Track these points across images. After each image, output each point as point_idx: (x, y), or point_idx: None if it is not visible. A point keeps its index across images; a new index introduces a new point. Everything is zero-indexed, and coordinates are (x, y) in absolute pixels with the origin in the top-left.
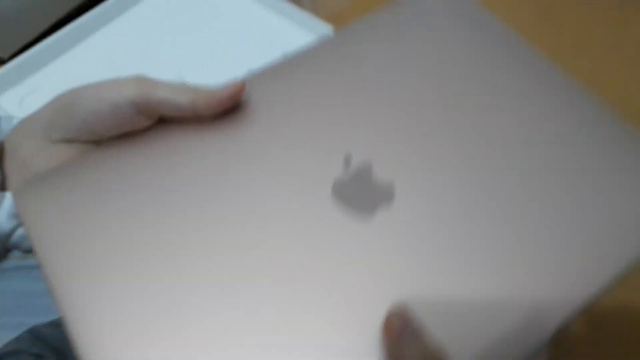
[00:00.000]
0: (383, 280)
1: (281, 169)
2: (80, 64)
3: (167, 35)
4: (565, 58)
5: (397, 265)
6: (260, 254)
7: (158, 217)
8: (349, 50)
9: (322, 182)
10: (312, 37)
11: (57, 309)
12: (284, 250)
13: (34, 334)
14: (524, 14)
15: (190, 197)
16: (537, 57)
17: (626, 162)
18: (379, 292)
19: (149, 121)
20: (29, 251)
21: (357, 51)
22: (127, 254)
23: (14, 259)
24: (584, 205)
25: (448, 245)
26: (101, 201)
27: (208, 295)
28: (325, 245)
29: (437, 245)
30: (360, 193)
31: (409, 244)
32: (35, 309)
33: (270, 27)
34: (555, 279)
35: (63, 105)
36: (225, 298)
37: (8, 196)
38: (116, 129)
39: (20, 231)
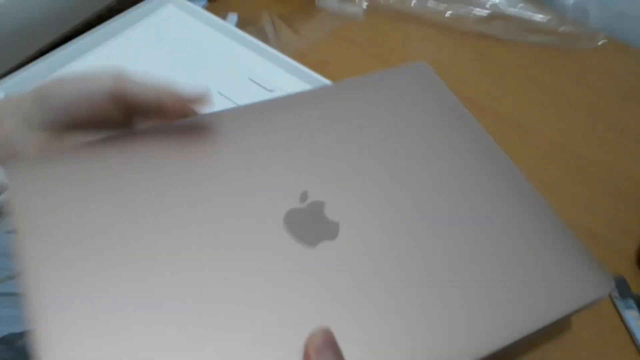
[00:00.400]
0: (312, 302)
1: (245, 191)
2: None
3: (142, 67)
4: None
5: (326, 292)
6: (213, 263)
7: (131, 219)
8: (326, 103)
9: (277, 210)
10: (279, 70)
11: (24, 288)
12: (233, 261)
13: (8, 344)
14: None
15: (162, 207)
16: (478, 128)
17: (544, 242)
18: (307, 312)
19: (121, 114)
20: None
21: (333, 106)
22: (97, 246)
23: None
24: (499, 272)
25: (374, 283)
26: (85, 193)
27: (160, 294)
28: (269, 263)
29: (364, 281)
30: (309, 226)
31: (340, 276)
32: (9, 319)
33: (239, 59)
34: (459, 332)
35: (45, 92)
36: (169, 295)
37: None
38: (91, 117)
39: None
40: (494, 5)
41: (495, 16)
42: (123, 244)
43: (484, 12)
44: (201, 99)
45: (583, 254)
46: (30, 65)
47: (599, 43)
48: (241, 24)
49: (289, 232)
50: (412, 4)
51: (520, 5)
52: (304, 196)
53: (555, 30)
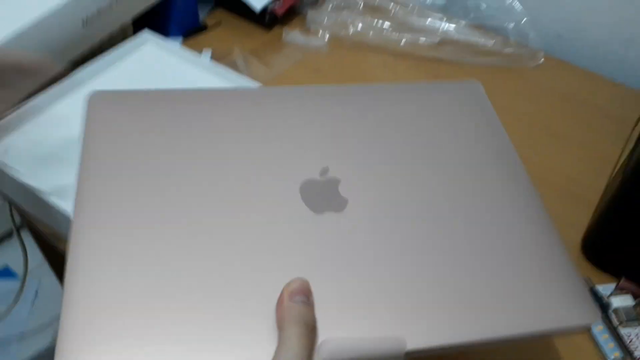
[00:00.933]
0: (305, 259)
1: (277, 158)
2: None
3: None
4: None
5: (319, 253)
6: (236, 222)
7: (173, 174)
8: (373, 99)
9: (297, 177)
10: None
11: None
12: (252, 212)
13: None
14: None
15: (203, 164)
16: (509, 149)
17: (539, 261)
18: (298, 265)
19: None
20: None
21: (378, 102)
22: (141, 191)
23: None
24: (488, 275)
25: (364, 255)
26: (143, 140)
27: (190, 242)
28: (279, 220)
29: (355, 251)
30: (321, 196)
31: (335, 243)
32: None
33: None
34: (432, 318)
35: None
36: (197, 249)
37: None
38: None
39: None
40: (444, 32)
41: (446, 42)
42: (163, 198)
43: (435, 39)
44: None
45: (575, 282)
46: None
47: (540, 61)
48: (215, 59)
49: (301, 197)
50: (370, 35)
51: (468, 31)
52: (324, 170)
53: (500, 51)
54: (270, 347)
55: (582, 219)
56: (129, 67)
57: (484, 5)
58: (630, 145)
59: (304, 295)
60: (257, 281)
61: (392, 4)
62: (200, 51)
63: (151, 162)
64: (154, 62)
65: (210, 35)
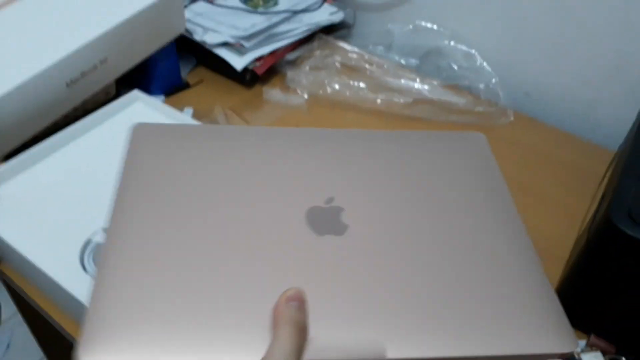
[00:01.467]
0: (303, 274)
1: (289, 188)
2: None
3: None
4: None
5: (317, 270)
6: (248, 238)
7: (208, 203)
8: (383, 143)
9: (305, 203)
10: None
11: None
12: (262, 238)
13: None
14: None
15: (227, 196)
16: (506, 197)
17: (523, 287)
18: (298, 279)
19: None
20: None
21: (387, 146)
22: (172, 212)
23: None
24: (473, 299)
25: (358, 272)
26: (177, 169)
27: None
28: (284, 240)
29: (350, 269)
30: (323, 221)
31: (333, 262)
32: None
33: None
34: (419, 331)
35: None
36: (222, 254)
37: None
38: None
39: None
40: (418, 91)
41: (420, 101)
42: (187, 216)
43: (409, 98)
44: None
45: (557, 312)
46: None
47: (510, 119)
48: (196, 116)
49: (306, 221)
50: (347, 94)
51: (440, 90)
52: (329, 200)
53: (472, 110)
54: (265, 347)
55: (553, 275)
56: (118, 124)
57: (455, 66)
58: (595, 204)
59: (299, 301)
60: (262, 289)
61: (367, 64)
62: (181, 109)
63: (180, 186)
64: (143, 120)
65: (192, 92)
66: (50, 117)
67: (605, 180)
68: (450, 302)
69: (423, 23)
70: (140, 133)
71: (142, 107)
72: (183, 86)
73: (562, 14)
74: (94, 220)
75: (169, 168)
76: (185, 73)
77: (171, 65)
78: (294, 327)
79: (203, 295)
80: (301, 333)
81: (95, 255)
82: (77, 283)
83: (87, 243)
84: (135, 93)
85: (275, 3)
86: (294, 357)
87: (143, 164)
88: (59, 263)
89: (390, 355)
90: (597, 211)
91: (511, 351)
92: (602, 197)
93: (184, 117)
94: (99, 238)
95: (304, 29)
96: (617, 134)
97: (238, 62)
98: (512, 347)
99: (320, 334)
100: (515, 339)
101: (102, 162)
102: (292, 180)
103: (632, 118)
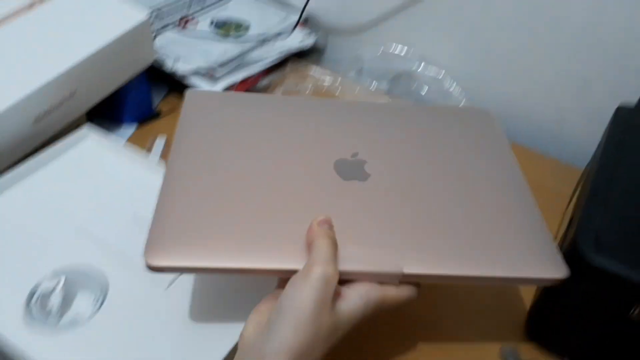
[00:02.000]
0: (333, 208)
1: (324, 144)
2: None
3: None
4: None
5: (344, 205)
6: (288, 179)
7: (247, 153)
8: (404, 111)
9: (334, 155)
10: None
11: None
12: (299, 179)
13: None
14: None
15: (268, 147)
16: (510, 157)
17: (518, 220)
18: (328, 211)
19: None
20: None
21: (408, 113)
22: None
23: None
24: (476, 228)
25: (379, 205)
26: (226, 129)
27: (260, 190)
28: (316, 182)
29: (372, 204)
30: (349, 169)
31: (358, 199)
32: None
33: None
34: (430, 250)
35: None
36: (269, 190)
37: None
38: None
39: None
40: None
41: None
42: (239, 166)
43: None
44: None
45: (551, 246)
46: None
47: None
48: (169, 145)
49: (334, 169)
50: None
51: None
52: (355, 154)
53: None
54: (304, 259)
55: (525, 297)
56: (67, 164)
57: (425, 90)
58: (565, 225)
59: (328, 223)
60: (299, 216)
61: (339, 89)
62: (154, 137)
63: (230, 139)
64: (92, 159)
65: (164, 121)
66: (17, 155)
67: (574, 200)
68: (456, 234)
69: (392, 48)
70: (193, 96)
71: (93, 146)
72: (155, 115)
73: (528, 36)
74: (41, 265)
75: (219, 127)
76: (157, 102)
77: (142, 95)
78: (328, 239)
79: (252, 217)
80: (334, 244)
81: (42, 304)
82: (21, 335)
83: (34, 290)
84: (86, 130)
85: (247, 30)
86: (332, 261)
87: (197, 121)
88: (1, 313)
89: (405, 270)
90: (565, 236)
91: (508, 274)
92: (570, 221)
93: (140, 158)
94: (47, 285)
95: (276, 55)
96: (584, 152)
97: (210, 89)
98: (509, 270)
99: (347, 250)
100: (512, 264)
101: (49, 204)
102: (323, 139)
103: (598, 136)
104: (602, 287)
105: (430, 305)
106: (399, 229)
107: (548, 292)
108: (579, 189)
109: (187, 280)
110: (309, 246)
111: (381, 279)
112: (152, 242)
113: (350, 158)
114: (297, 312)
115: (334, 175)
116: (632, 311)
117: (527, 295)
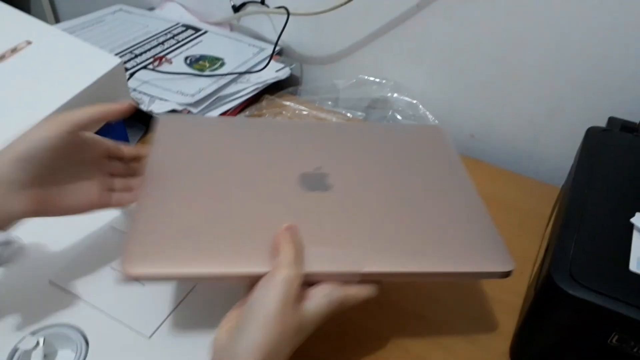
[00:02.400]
0: (297, 216)
1: (289, 160)
2: None
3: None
4: None
5: (307, 212)
6: (256, 192)
7: (221, 169)
8: (361, 129)
9: (299, 169)
10: None
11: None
12: (266, 193)
13: None
14: None
15: (236, 164)
16: (460, 168)
17: (466, 219)
18: (293, 218)
19: (81, 143)
20: None
21: (365, 130)
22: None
23: None
24: (429, 228)
25: (340, 210)
26: (196, 150)
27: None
28: (282, 193)
29: (333, 209)
30: (313, 182)
31: (320, 206)
32: None
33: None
34: (388, 248)
35: (20, 151)
36: (235, 201)
37: None
38: (65, 159)
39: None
40: None
41: None
42: (210, 182)
43: None
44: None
45: (496, 240)
46: None
47: None
48: None
49: (299, 181)
50: None
51: None
52: (318, 168)
53: None
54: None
55: (506, 324)
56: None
57: (399, 116)
58: (544, 246)
59: (293, 230)
60: (266, 225)
61: (316, 118)
62: None
63: (203, 157)
64: None
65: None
66: None
67: (551, 222)
68: (411, 235)
69: (366, 77)
70: (165, 121)
71: None
72: None
73: (498, 60)
74: (20, 325)
75: (189, 147)
76: (134, 142)
77: (119, 136)
78: (292, 243)
79: (223, 227)
80: (298, 248)
81: None
82: None
83: (15, 351)
84: None
85: (222, 65)
86: (295, 264)
87: (169, 143)
88: None
89: (365, 269)
90: (542, 264)
91: (459, 269)
92: (547, 249)
93: None
94: (27, 345)
95: (252, 88)
96: (560, 169)
97: None
98: (460, 265)
99: (311, 253)
100: (462, 260)
101: (28, 262)
102: (288, 155)
103: (572, 155)
104: (580, 315)
105: (416, 331)
106: (359, 233)
107: (530, 320)
108: (555, 210)
109: (168, 327)
110: (275, 251)
111: (343, 278)
112: (129, 253)
113: (313, 171)
114: (264, 312)
115: (298, 187)
116: (610, 338)
117: (512, 322)
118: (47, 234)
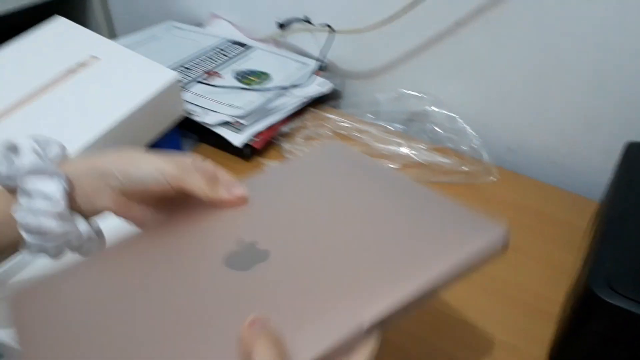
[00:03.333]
0: (247, 306)
1: (198, 254)
2: None
3: None
4: None
5: (268, 293)
6: (180, 295)
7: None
8: (268, 178)
9: (218, 258)
10: None
11: None
12: (203, 299)
13: None
14: None
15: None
16: (383, 169)
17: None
18: (245, 313)
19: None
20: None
21: (274, 180)
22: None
23: None
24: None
25: (303, 278)
26: (75, 311)
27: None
28: (221, 291)
29: (297, 279)
30: (245, 259)
31: (276, 282)
32: None
33: None
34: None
35: (125, 169)
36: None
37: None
38: (154, 195)
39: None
40: (407, 156)
41: (409, 164)
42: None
43: (399, 164)
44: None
45: (471, 215)
46: None
47: (494, 176)
48: None
49: (228, 266)
50: None
51: (427, 154)
52: (239, 241)
53: (458, 170)
54: None
55: (544, 333)
56: None
57: (439, 129)
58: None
59: (259, 322)
60: (219, 331)
61: (357, 132)
62: None
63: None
64: None
65: None
66: None
67: (591, 233)
68: (388, 259)
69: (406, 91)
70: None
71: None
72: None
73: (536, 75)
74: None
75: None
76: (188, 151)
77: (174, 146)
78: (265, 339)
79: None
80: (275, 341)
81: None
82: None
83: None
84: None
85: (268, 79)
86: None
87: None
88: None
89: (366, 320)
90: (580, 274)
91: (459, 257)
92: (585, 260)
93: None
94: None
95: (297, 101)
96: (598, 183)
97: (237, 139)
98: (456, 254)
99: (294, 339)
100: (456, 246)
101: None
102: (197, 249)
103: (608, 167)
104: (618, 324)
105: (449, 341)
106: (331, 289)
107: (569, 329)
108: (593, 224)
109: None
110: (248, 357)
111: (347, 344)
112: None
113: (236, 248)
114: None
115: (231, 273)
116: None
117: (549, 330)
118: None
